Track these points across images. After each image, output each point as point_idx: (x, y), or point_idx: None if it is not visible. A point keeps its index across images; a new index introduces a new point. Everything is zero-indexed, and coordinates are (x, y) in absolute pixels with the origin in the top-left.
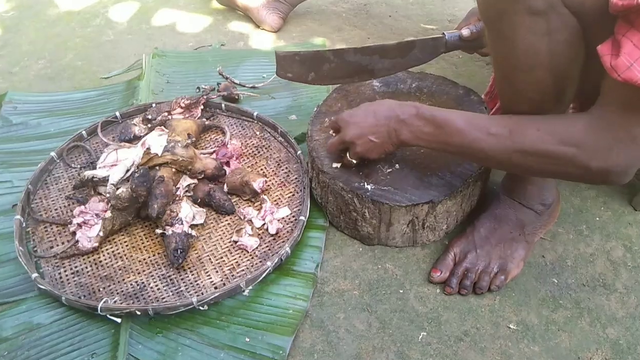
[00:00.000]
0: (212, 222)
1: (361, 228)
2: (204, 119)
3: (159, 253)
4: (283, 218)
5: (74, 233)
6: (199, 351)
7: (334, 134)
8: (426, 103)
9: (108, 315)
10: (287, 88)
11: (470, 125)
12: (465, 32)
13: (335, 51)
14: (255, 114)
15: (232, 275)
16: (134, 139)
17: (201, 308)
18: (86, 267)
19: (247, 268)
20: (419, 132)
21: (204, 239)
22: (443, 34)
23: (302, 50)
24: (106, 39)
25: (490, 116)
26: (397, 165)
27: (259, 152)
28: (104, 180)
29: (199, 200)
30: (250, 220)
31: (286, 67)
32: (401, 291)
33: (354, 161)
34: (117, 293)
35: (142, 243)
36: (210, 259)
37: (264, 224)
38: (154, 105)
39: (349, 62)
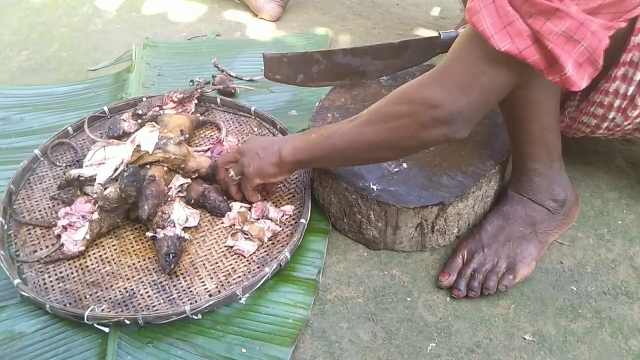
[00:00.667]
0: (206, 225)
1: (366, 231)
2: (198, 114)
3: (149, 258)
4: (282, 221)
5: (58, 236)
6: None
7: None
8: None
9: (95, 325)
10: None
11: (327, 130)
12: (462, 31)
13: (324, 52)
14: (252, 109)
15: (228, 282)
16: (123, 136)
17: (195, 317)
18: (72, 273)
19: (244, 274)
20: (302, 146)
21: (198, 242)
22: (439, 33)
23: (290, 52)
24: (94, 29)
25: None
26: (404, 164)
27: None
28: (91, 180)
29: (193, 201)
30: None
31: (274, 69)
32: (409, 299)
33: (235, 176)
34: (105, 300)
35: (132, 247)
36: (204, 264)
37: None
38: (144, 99)
39: (339, 63)
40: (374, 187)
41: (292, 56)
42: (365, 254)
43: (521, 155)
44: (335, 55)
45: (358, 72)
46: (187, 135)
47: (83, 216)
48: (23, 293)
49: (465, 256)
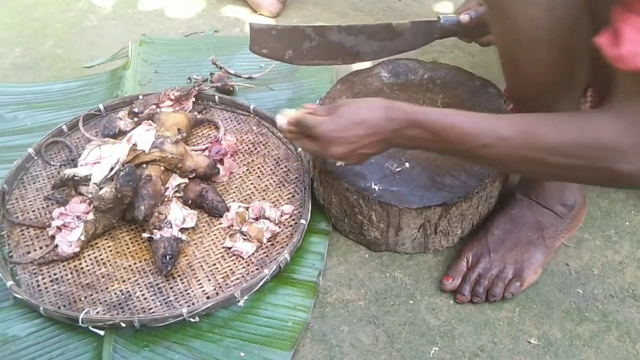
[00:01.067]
0: (204, 226)
1: (367, 233)
2: (196, 113)
3: (145, 259)
4: (281, 222)
5: (53, 237)
6: None
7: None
8: (439, 96)
9: (90, 327)
10: (287, 79)
11: (476, 129)
12: (464, 17)
13: (316, 28)
14: (251, 107)
15: (226, 284)
16: (119, 134)
17: (192, 320)
18: (66, 275)
19: (243, 276)
20: (417, 140)
21: (195, 244)
22: (438, 17)
23: (279, 25)
24: (89, 25)
25: (499, 116)
26: (407, 163)
27: (255, 148)
28: (86, 180)
29: (190, 201)
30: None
31: (261, 42)
32: (411, 302)
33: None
34: (100, 303)
35: (128, 248)
36: (202, 266)
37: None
38: (140, 97)
39: (332, 41)
40: (376, 187)
41: (281, 29)
42: (367, 255)
43: None
44: (328, 31)
45: (352, 52)
46: (184, 134)
47: (78, 217)
48: (16, 295)
49: (470, 260)
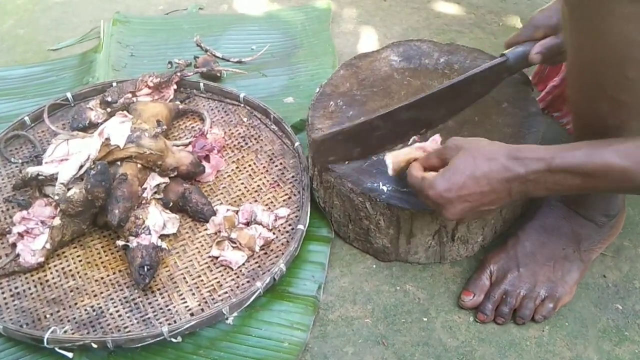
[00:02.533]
0: (187, 232)
1: (375, 240)
2: (178, 102)
3: (120, 271)
4: (276, 227)
5: (14, 245)
6: None
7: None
8: None
9: (57, 349)
10: (281, 63)
11: (634, 164)
12: (535, 57)
13: (384, 116)
14: (241, 95)
15: (213, 299)
16: (90, 127)
17: (174, 340)
18: (29, 288)
19: (232, 290)
20: (558, 187)
21: (178, 253)
22: (504, 56)
23: (343, 126)
24: (55, 1)
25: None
26: None
27: (246, 143)
28: (52, 179)
29: (171, 204)
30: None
31: (327, 153)
32: (425, 319)
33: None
34: (68, 321)
35: (100, 258)
36: (185, 278)
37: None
38: (114, 84)
39: (400, 121)
40: (384, 188)
41: (348, 130)
42: (374, 266)
43: None
44: (397, 114)
45: (422, 125)
46: (164, 127)
47: (42, 222)
48: None
49: (495, 274)
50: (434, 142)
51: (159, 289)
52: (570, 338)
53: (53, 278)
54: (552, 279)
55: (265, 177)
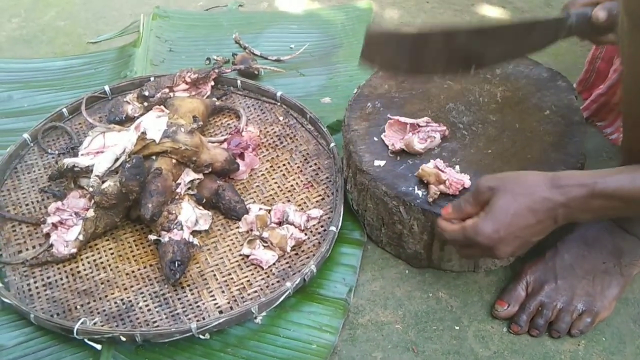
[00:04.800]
0: (219, 229)
1: (407, 245)
2: (214, 99)
3: (151, 265)
4: (308, 228)
5: (47, 235)
6: None
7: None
8: (498, 88)
9: (86, 340)
10: (320, 63)
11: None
12: (601, 13)
13: (446, 33)
14: (278, 94)
15: (242, 297)
16: (126, 121)
17: (202, 336)
18: (61, 279)
19: (261, 289)
20: (604, 212)
21: (209, 249)
22: (567, 13)
23: (400, 30)
24: None
25: None
26: (457, 166)
27: (281, 142)
28: (87, 171)
29: (204, 200)
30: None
31: (376, 50)
32: (457, 327)
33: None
34: (98, 313)
35: (131, 251)
36: (215, 275)
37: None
38: (152, 78)
39: (457, 47)
40: (419, 193)
41: (405, 34)
42: (407, 271)
43: None
44: (458, 36)
45: (475, 58)
46: (200, 123)
47: (76, 213)
48: (4, 300)
49: (531, 285)
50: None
51: (188, 285)
52: (607, 354)
53: (85, 270)
54: (591, 293)
55: (299, 177)
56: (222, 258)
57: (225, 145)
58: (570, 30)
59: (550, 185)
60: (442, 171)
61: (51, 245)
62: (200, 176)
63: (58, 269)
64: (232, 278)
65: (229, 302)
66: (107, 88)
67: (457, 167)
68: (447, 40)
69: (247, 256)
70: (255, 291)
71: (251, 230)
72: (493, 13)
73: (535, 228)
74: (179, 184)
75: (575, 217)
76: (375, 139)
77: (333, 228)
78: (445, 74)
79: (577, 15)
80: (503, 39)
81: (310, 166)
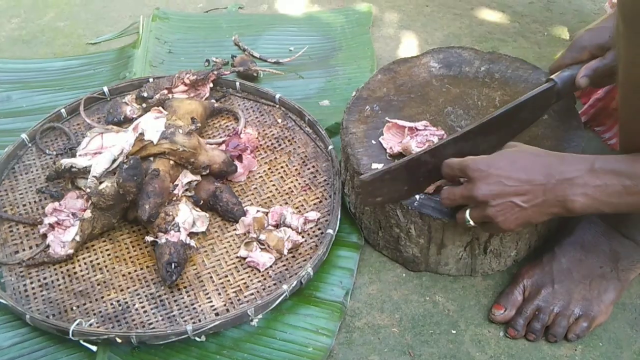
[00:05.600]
0: (216, 231)
1: (405, 249)
2: (213, 101)
3: (147, 266)
4: (305, 231)
5: (44, 236)
6: None
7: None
8: (497, 92)
9: (81, 341)
10: (319, 66)
11: None
12: (582, 80)
13: (432, 151)
14: (277, 96)
15: (238, 300)
16: (125, 122)
17: (198, 339)
18: (57, 280)
19: (258, 291)
20: (601, 193)
21: (206, 251)
22: (550, 79)
23: (391, 165)
24: None
25: None
26: None
27: (280, 144)
28: (85, 172)
29: (202, 202)
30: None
31: (375, 192)
32: (454, 331)
33: (472, 223)
34: (94, 314)
35: (128, 253)
36: (211, 277)
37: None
38: (151, 80)
39: (448, 155)
40: (417, 196)
41: (395, 169)
42: (404, 275)
43: None
44: (445, 148)
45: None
46: (198, 125)
47: (73, 214)
48: (0, 300)
49: (528, 289)
50: None
51: (185, 287)
52: (604, 359)
53: (81, 270)
54: (588, 297)
55: (297, 180)
56: (218, 260)
57: (223, 147)
58: (559, 95)
59: (553, 156)
60: None
61: (48, 246)
62: (198, 178)
63: (54, 269)
64: (228, 280)
65: (225, 304)
66: (105, 89)
67: None
68: (438, 155)
69: (244, 258)
70: (252, 293)
71: (248, 232)
72: (492, 17)
73: (522, 187)
74: (177, 185)
75: (567, 197)
76: (373, 142)
77: (330, 231)
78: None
79: (563, 81)
80: (494, 130)
81: (308, 168)
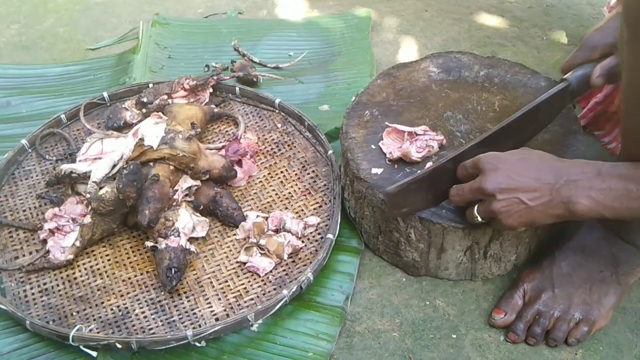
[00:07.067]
0: (216, 236)
1: (405, 253)
2: (213, 106)
3: (147, 272)
4: (305, 236)
5: (44, 241)
6: None
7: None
8: (496, 97)
9: (81, 347)
10: (319, 70)
11: None
12: (598, 80)
13: (455, 158)
14: (277, 101)
15: (238, 305)
16: (124, 127)
17: (198, 344)
18: (57, 285)
19: (258, 296)
20: (605, 196)
21: (206, 256)
22: (566, 80)
23: (416, 175)
24: (95, 1)
25: None
26: None
27: (279, 149)
28: (85, 177)
29: (202, 207)
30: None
31: (401, 204)
32: (454, 336)
33: (480, 219)
34: (94, 319)
35: (128, 258)
36: (211, 282)
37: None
38: (150, 85)
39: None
40: None
41: (420, 178)
42: (404, 279)
43: None
44: (468, 154)
45: None
46: (198, 130)
47: (73, 219)
48: (0, 306)
49: (528, 293)
50: None
51: (185, 292)
52: None
53: (81, 276)
54: (588, 301)
55: (296, 185)
56: (218, 265)
57: (223, 152)
58: (574, 95)
59: (562, 159)
60: None
61: (48, 252)
62: (198, 183)
63: (54, 275)
64: (228, 285)
65: (225, 310)
66: (105, 94)
67: None
68: (461, 161)
69: (244, 263)
70: (252, 299)
71: (248, 237)
72: (491, 22)
73: (531, 184)
74: (177, 190)
75: (573, 199)
76: (373, 146)
77: (330, 236)
78: None
79: (577, 80)
80: (513, 133)
81: (308, 173)
